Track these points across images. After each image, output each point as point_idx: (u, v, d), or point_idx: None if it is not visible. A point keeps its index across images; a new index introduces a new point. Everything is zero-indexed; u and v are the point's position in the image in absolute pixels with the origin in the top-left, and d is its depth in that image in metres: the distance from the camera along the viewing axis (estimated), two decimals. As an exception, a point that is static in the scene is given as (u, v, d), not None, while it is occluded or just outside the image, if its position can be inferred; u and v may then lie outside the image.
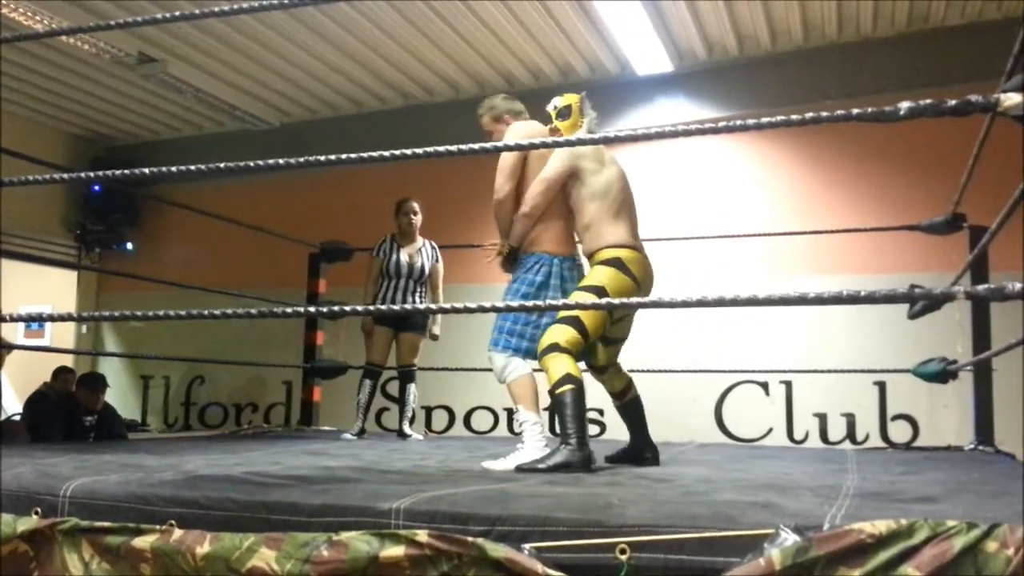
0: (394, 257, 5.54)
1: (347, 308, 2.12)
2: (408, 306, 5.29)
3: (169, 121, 8.82)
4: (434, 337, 5.64)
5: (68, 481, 2.20)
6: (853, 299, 1.82)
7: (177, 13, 2.39)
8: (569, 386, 3.14)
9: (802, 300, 1.85)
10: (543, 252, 3.44)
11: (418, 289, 5.58)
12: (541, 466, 3.00)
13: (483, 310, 1.92)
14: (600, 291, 3.28)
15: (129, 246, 9.05)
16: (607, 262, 3.37)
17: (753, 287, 6.71)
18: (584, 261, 3.57)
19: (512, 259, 3.49)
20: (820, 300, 1.84)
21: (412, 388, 5.58)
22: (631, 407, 3.56)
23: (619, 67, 7.33)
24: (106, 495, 2.14)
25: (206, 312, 2.22)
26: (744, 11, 6.47)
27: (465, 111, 7.77)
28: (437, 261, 5.68)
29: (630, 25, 6.29)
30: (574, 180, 3.47)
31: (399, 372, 5.62)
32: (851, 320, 6.57)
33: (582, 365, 3.41)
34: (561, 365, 3.18)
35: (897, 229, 5.30)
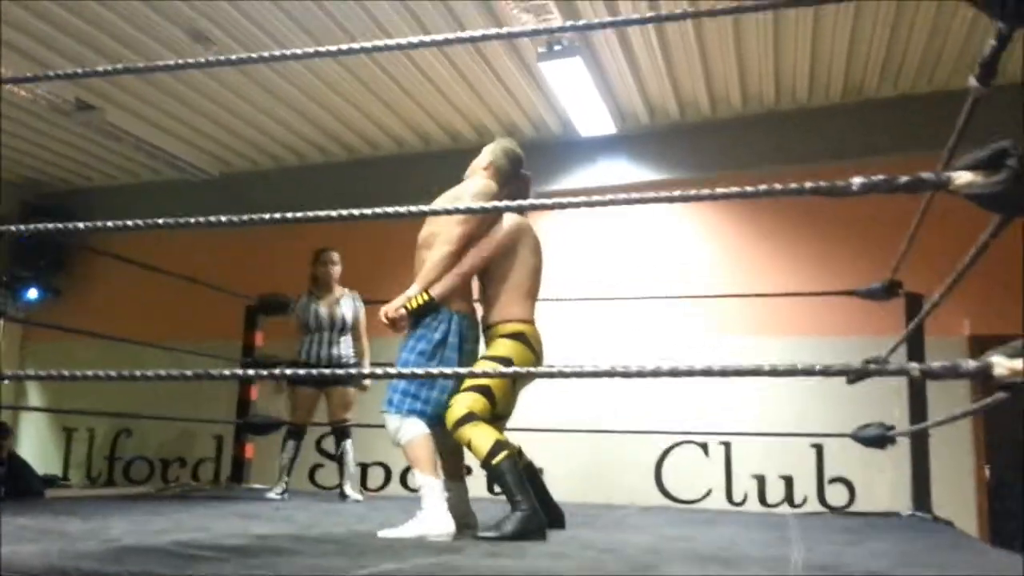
0: (312, 309, 5.40)
1: (287, 372, 2.04)
2: (349, 370, 5.18)
3: (105, 168, 8.64)
4: (363, 388, 5.48)
5: (-20, 553, 2.05)
6: (808, 371, 1.80)
7: (120, 65, 2.32)
8: (504, 453, 3.09)
9: (757, 372, 1.82)
10: (444, 307, 3.33)
11: (341, 340, 5.39)
12: (497, 534, 2.92)
13: (445, 376, 1.86)
14: (507, 362, 3.28)
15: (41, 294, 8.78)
16: (511, 335, 3.36)
17: (692, 347, 6.78)
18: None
19: (418, 313, 3.29)
20: (775, 372, 1.81)
21: (348, 445, 5.38)
22: (527, 475, 3.36)
23: (562, 127, 7.40)
24: (22, 567, 1.99)
25: (137, 373, 2.11)
26: (685, 78, 6.60)
27: (409, 165, 7.85)
28: (360, 310, 5.51)
29: (574, 87, 6.35)
30: (509, 254, 3.46)
31: (333, 430, 5.43)
32: (790, 382, 6.61)
33: None
34: (486, 434, 3.12)
35: (835, 294, 5.37)
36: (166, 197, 8.68)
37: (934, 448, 4.96)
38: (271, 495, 5.13)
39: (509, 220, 3.48)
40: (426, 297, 3.27)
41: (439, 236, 3.36)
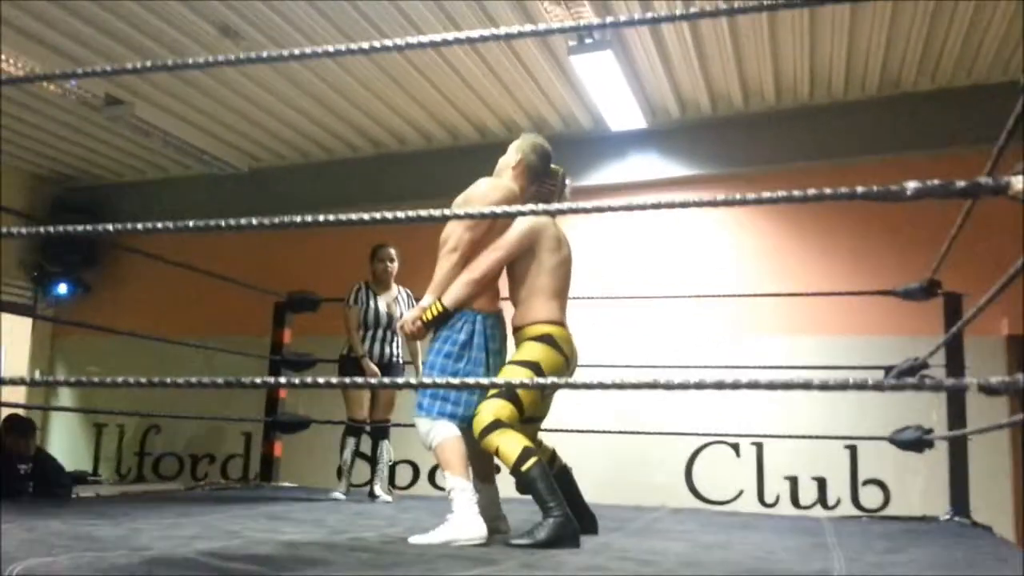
0: (371, 306, 5.35)
1: (320, 380, 1.99)
2: (385, 379, 5.13)
3: (134, 163, 8.65)
4: None
5: (14, 562, 2.02)
6: (860, 386, 1.73)
7: (149, 63, 2.27)
8: (532, 459, 3.05)
9: (806, 386, 1.75)
10: (467, 308, 3.28)
11: (395, 339, 5.38)
12: (530, 541, 2.88)
13: (467, 386, 1.81)
14: (534, 366, 3.22)
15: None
16: (539, 338, 3.30)
17: (724, 345, 6.69)
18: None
19: (435, 324, 3.26)
20: (825, 387, 1.74)
21: (386, 445, 5.36)
22: (560, 479, 3.34)
23: (592, 122, 7.32)
24: (53, 579, 1.96)
25: (168, 380, 2.07)
26: (718, 71, 6.49)
27: (437, 161, 7.79)
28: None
29: (604, 81, 6.26)
30: (527, 255, 3.38)
31: (372, 428, 5.40)
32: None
33: None
34: (513, 441, 3.08)
35: (872, 294, 5.26)
36: (194, 192, 8.69)
37: (970, 448, 4.85)
38: (336, 495, 5.15)
39: (525, 219, 3.39)
40: (440, 308, 3.24)
41: (447, 241, 3.31)
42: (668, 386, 1.83)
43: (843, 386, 1.76)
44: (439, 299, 3.25)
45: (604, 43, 5.75)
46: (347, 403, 5.37)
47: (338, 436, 6.90)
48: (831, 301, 6.20)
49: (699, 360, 6.15)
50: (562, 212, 2.80)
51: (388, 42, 2.22)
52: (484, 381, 3.03)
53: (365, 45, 2.28)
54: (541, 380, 3.14)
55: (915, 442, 4.53)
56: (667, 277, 6.99)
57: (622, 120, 7.06)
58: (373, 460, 5.37)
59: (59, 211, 8.59)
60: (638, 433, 6.02)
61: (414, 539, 2.98)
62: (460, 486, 3.07)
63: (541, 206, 2.56)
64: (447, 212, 2.11)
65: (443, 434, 3.15)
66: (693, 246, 7.16)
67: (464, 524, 2.99)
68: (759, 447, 6.59)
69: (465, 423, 3.19)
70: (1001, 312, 6.07)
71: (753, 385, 1.77)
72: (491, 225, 3.33)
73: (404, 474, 7.39)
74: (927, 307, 5.03)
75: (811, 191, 1.89)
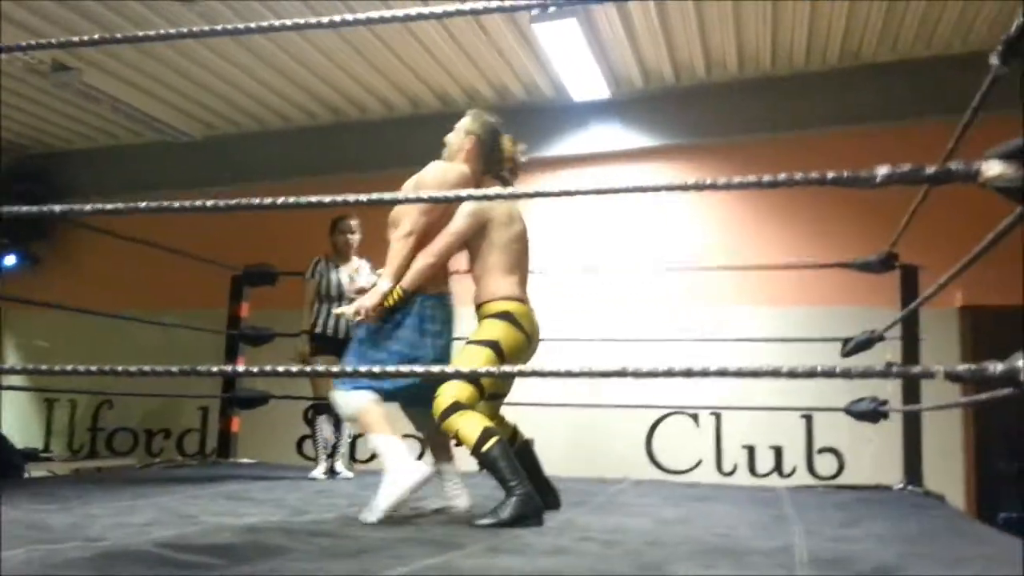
0: (331, 277, 5.24)
1: (293, 369, 1.94)
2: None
3: (83, 130, 8.42)
4: None
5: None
6: (829, 373, 1.72)
7: (103, 35, 2.18)
8: (493, 439, 3.04)
9: (775, 373, 1.74)
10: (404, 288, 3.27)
11: None
12: (494, 520, 2.87)
13: (425, 375, 1.77)
14: (494, 345, 3.20)
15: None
16: (497, 315, 3.28)
17: (685, 317, 6.71)
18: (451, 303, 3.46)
19: (395, 308, 3.23)
20: (793, 374, 1.73)
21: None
22: (522, 454, 3.34)
23: (555, 91, 7.25)
24: (5, 576, 1.89)
25: (119, 368, 2.00)
26: (681, 40, 6.45)
27: (398, 129, 7.68)
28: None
29: (567, 50, 6.20)
30: (479, 234, 3.35)
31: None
32: (780, 353, 6.56)
33: None
34: (473, 422, 3.07)
35: (829, 266, 5.29)
36: (147, 160, 8.49)
37: (923, 418, 4.92)
38: (315, 474, 5.04)
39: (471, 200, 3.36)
40: (400, 293, 3.22)
41: (401, 225, 3.27)
42: (636, 374, 1.80)
43: (811, 373, 1.75)
44: (398, 284, 3.22)
45: (568, 11, 5.67)
46: (314, 382, 5.24)
47: (298, 411, 6.84)
48: (790, 273, 6.24)
49: (660, 332, 6.15)
50: (528, 196, 2.76)
51: (350, 16, 2.15)
52: (451, 371, 3.00)
53: (324, 19, 2.21)
54: (504, 369, 3.14)
55: (870, 413, 4.60)
56: (627, 248, 6.98)
57: (585, 89, 7.01)
58: (336, 437, 5.30)
59: (9, 180, 8.35)
60: (599, 406, 6.03)
61: (364, 516, 2.97)
62: (384, 442, 3.07)
63: (507, 190, 2.51)
64: (410, 196, 2.06)
65: (359, 401, 3.16)
66: (653, 218, 7.14)
67: (403, 474, 2.99)
68: (718, 417, 6.65)
69: (387, 397, 3.21)
70: (955, 283, 6.13)
71: (721, 372, 1.75)
72: (445, 209, 3.31)
73: (365, 448, 7.33)
74: (883, 278, 5.08)
75: (782, 175, 1.87)
